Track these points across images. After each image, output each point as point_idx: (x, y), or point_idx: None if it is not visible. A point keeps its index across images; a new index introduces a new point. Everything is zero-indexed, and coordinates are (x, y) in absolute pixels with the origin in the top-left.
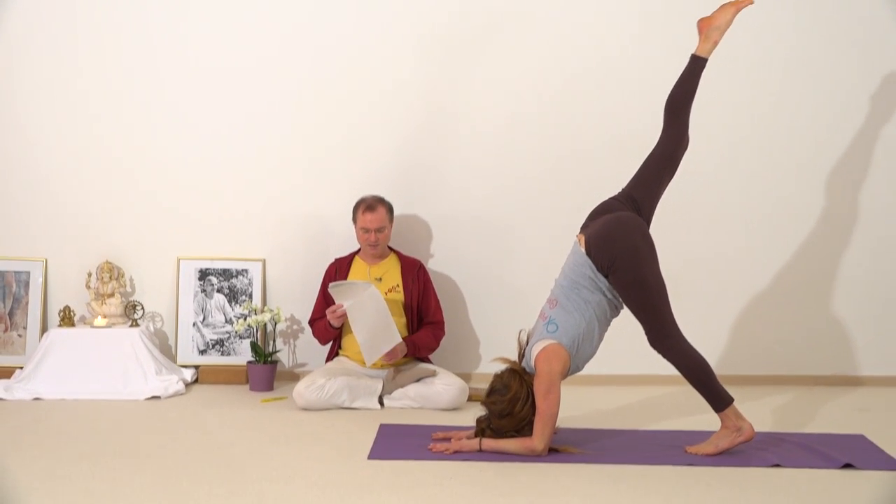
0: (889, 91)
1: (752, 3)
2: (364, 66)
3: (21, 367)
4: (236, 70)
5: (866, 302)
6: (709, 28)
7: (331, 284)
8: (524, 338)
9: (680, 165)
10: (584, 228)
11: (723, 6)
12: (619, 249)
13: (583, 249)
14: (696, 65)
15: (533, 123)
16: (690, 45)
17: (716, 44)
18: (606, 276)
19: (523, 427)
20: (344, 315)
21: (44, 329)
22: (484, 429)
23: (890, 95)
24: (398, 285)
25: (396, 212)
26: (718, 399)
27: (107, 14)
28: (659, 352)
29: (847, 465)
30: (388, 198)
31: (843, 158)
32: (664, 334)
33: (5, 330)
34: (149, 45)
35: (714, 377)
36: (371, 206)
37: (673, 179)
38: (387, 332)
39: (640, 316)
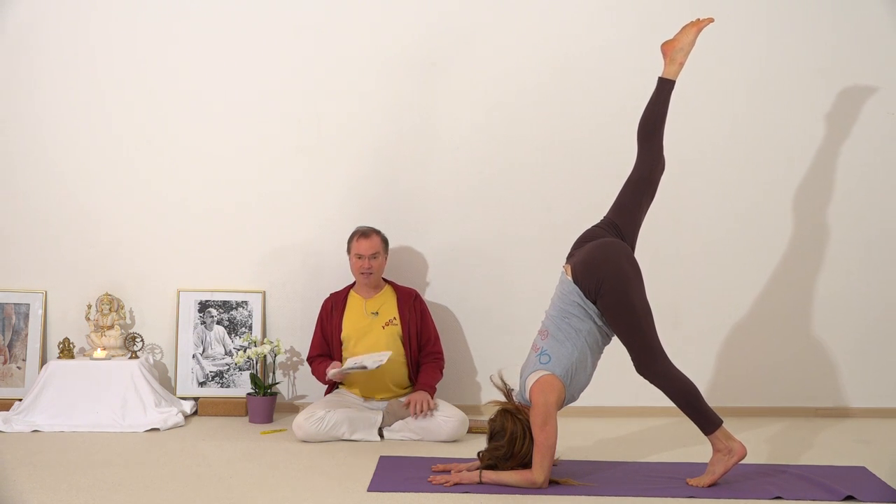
0: (850, 107)
1: (712, 21)
2: (361, 102)
3: (20, 399)
4: (235, 104)
5: (856, 335)
6: (672, 50)
7: (347, 361)
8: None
9: (683, 196)
10: (569, 258)
11: (684, 27)
12: (605, 273)
13: (570, 278)
14: (664, 87)
15: (530, 156)
16: (689, 66)
17: (681, 65)
18: (595, 302)
19: (527, 463)
20: (347, 374)
21: (43, 361)
22: (492, 465)
23: (851, 112)
24: (395, 318)
25: (393, 245)
26: (707, 421)
27: (105, 52)
28: (646, 377)
29: (849, 498)
30: (384, 231)
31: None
32: (651, 358)
33: (4, 362)
34: (148, 79)
35: (702, 400)
36: (365, 234)
37: (676, 214)
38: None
39: (628, 340)
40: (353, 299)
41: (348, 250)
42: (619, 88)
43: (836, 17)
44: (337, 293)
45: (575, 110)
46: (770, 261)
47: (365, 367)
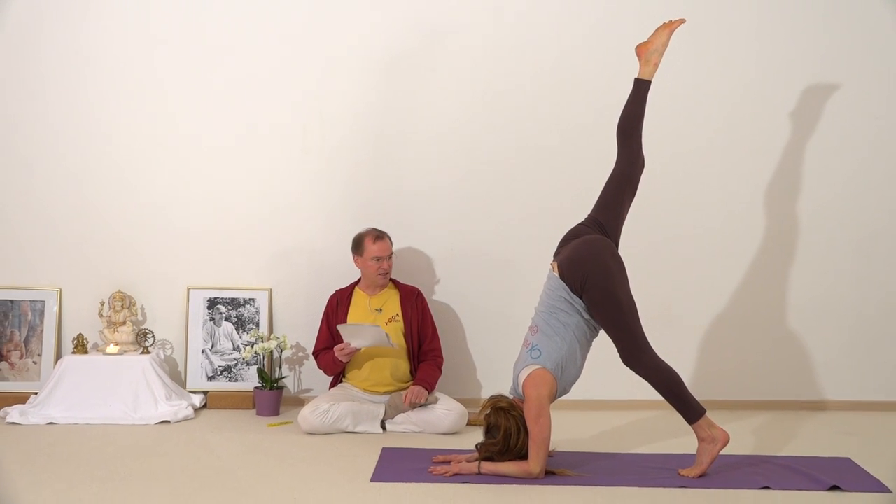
0: (836, 112)
1: (684, 21)
2: (365, 107)
3: (36, 393)
4: (242, 109)
5: (839, 331)
6: (647, 52)
7: (339, 326)
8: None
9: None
10: (556, 255)
11: (657, 29)
12: (590, 268)
13: (556, 274)
14: (640, 88)
15: (528, 158)
16: (676, 69)
17: (656, 66)
18: (581, 297)
19: (523, 455)
20: (353, 352)
21: (58, 356)
22: (490, 457)
23: (838, 116)
24: (398, 314)
25: (395, 245)
26: (691, 410)
27: (113, 53)
28: (633, 368)
29: (834, 488)
30: (387, 231)
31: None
32: (638, 350)
33: (21, 357)
34: (159, 82)
35: (686, 390)
36: (380, 236)
37: (667, 215)
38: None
39: (614, 333)
40: (358, 296)
41: (360, 252)
42: (616, 87)
43: (823, 24)
44: (342, 290)
45: (571, 113)
46: (758, 261)
47: (377, 326)
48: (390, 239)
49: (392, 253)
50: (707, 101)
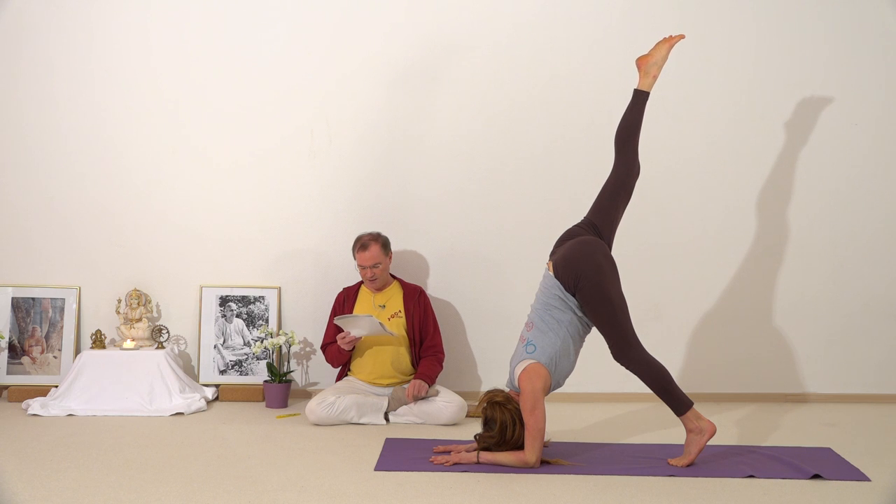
0: (820, 119)
1: (683, 37)
2: (369, 113)
3: (56, 386)
4: (253, 116)
5: (820, 327)
6: (646, 64)
7: (336, 318)
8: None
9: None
10: (552, 255)
11: (658, 43)
12: (583, 267)
13: (552, 273)
14: (639, 98)
15: (523, 162)
16: (667, 79)
17: (655, 78)
18: (574, 295)
19: (520, 446)
20: (354, 340)
21: (77, 351)
22: (488, 448)
23: (822, 122)
24: (400, 311)
25: (397, 246)
26: (679, 403)
27: (130, 62)
28: (623, 364)
29: (816, 476)
30: (389, 232)
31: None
32: (628, 346)
33: (42, 352)
34: (171, 93)
35: (674, 384)
36: (364, 245)
37: (659, 217)
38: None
39: (605, 329)
40: (364, 293)
41: (354, 256)
42: (606, 98)
43: (807, 39)
44: (349, 287)
45: (565, 124)
46: (743, 260)
47: (370, 316)
48: (383, 244)
49: (378, 262)
50: (697, 112)
